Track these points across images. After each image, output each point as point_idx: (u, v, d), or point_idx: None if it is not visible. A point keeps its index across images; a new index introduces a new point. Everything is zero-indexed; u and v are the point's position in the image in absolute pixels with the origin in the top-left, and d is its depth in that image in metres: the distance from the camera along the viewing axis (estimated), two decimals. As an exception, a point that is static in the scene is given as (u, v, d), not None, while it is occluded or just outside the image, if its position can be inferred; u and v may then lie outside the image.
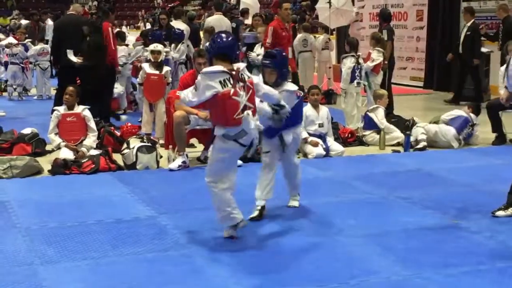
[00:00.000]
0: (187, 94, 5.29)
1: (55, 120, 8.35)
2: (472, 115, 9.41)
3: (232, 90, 5.07)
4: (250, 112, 5.16)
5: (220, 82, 5.07)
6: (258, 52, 11.07)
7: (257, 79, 5.52)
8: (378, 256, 5.00)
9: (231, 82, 5.09)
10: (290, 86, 6.03)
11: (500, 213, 5.95)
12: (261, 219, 5.88)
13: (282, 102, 5.55)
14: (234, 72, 5.13)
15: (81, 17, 10.90)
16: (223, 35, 5.39)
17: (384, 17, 12.75)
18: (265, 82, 5.76)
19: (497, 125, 9.45)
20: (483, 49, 13.76)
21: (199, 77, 5.19)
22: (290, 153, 6.06)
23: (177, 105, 7.99)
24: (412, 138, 9.10)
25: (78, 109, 8.43)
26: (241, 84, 5.15)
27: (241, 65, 5.30)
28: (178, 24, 12.67)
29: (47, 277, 4.62)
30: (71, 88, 8.51)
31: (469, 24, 13.48)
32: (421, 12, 15.81)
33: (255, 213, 5.90)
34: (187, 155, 8.04)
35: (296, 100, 5.97)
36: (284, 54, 6.29)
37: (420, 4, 15.95)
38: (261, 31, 11.35)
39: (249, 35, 12.25)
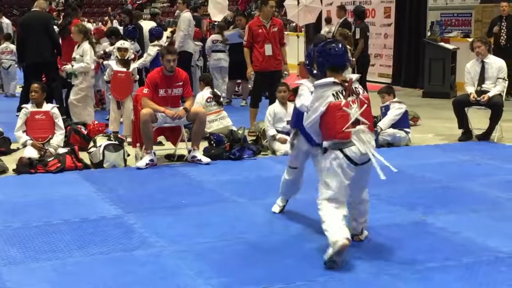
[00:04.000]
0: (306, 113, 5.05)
1: (23, 118, 8.26)
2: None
3: (344, 102, 4.85)
4: (364, 127, 4.89)
5: (333, 94, 4.87)
6: None
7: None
8: (345, 254, 5.00)
9: (343, 94, 4.88)
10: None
11: None
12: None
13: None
14: (346, 84, 4.92)
15: (45, 14, 10.74)
16: (334, 45, 5.12)
17: (358, 14, 12.80)
18: None
19: (463, 121, 9.53)
20: (448, 46, 13.86)
21: (314, 92, 4.98)
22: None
23: (144, 103, 7.94)
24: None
25: (47, 107, 8.37)
26: (354, 96, 4.92)
27: (353, 76, 5.06)
28: (149, 24, 12.68)
29: (11, 278, 4.53)
30: (35, 85, 8.43)
31: (340, 21, 13.74)
32: (389, 9, 15.91)
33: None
34: (154, 153, 7.98)
35: None
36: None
37: (388, 1, 16.06)
38: None
39: (232, 33, 12.18)
